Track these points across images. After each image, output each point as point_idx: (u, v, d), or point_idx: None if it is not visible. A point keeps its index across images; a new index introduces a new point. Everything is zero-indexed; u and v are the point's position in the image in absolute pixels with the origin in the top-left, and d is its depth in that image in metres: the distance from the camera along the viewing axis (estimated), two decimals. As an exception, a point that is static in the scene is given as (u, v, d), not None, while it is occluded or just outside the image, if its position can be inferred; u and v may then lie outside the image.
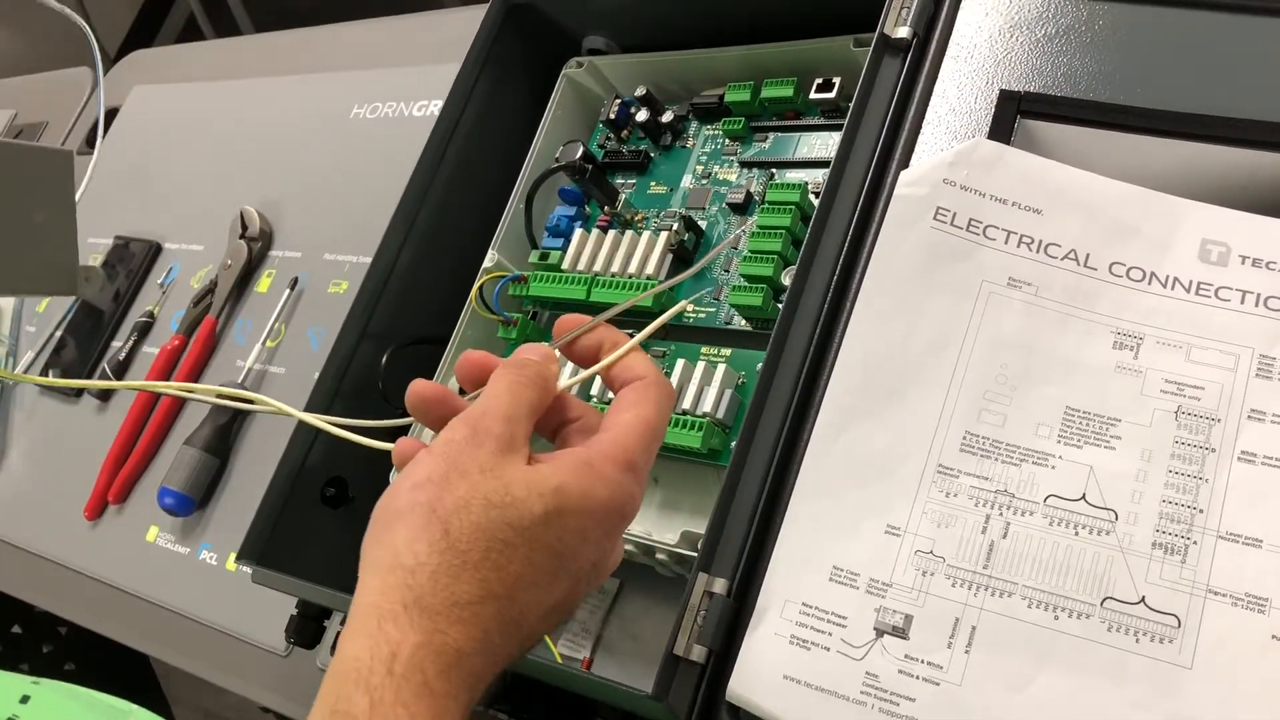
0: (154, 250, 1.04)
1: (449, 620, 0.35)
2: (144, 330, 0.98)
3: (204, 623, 0.78)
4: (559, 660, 0.59)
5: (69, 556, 0.88)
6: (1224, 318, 0.48)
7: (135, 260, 1.03)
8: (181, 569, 0.82)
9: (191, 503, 0.83)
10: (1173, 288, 0.49)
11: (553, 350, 0.44)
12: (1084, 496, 0.46)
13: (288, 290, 0.90)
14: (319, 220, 0.94)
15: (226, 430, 0.85)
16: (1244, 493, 0.45)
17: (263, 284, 0.94)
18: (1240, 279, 0.48)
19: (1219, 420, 0.46)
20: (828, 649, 0.46)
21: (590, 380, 0.53)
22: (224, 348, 0.92)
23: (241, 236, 0.95)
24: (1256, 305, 0.48)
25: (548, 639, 0.59)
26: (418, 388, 0.44)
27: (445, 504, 0.37)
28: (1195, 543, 0.44)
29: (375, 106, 0.98)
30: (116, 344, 0.99)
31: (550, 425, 0.45)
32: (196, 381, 0.91)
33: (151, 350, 0.96)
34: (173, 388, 0.87)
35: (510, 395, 0.41)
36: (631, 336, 0.46)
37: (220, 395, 0.64)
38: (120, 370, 0.96)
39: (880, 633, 0.45)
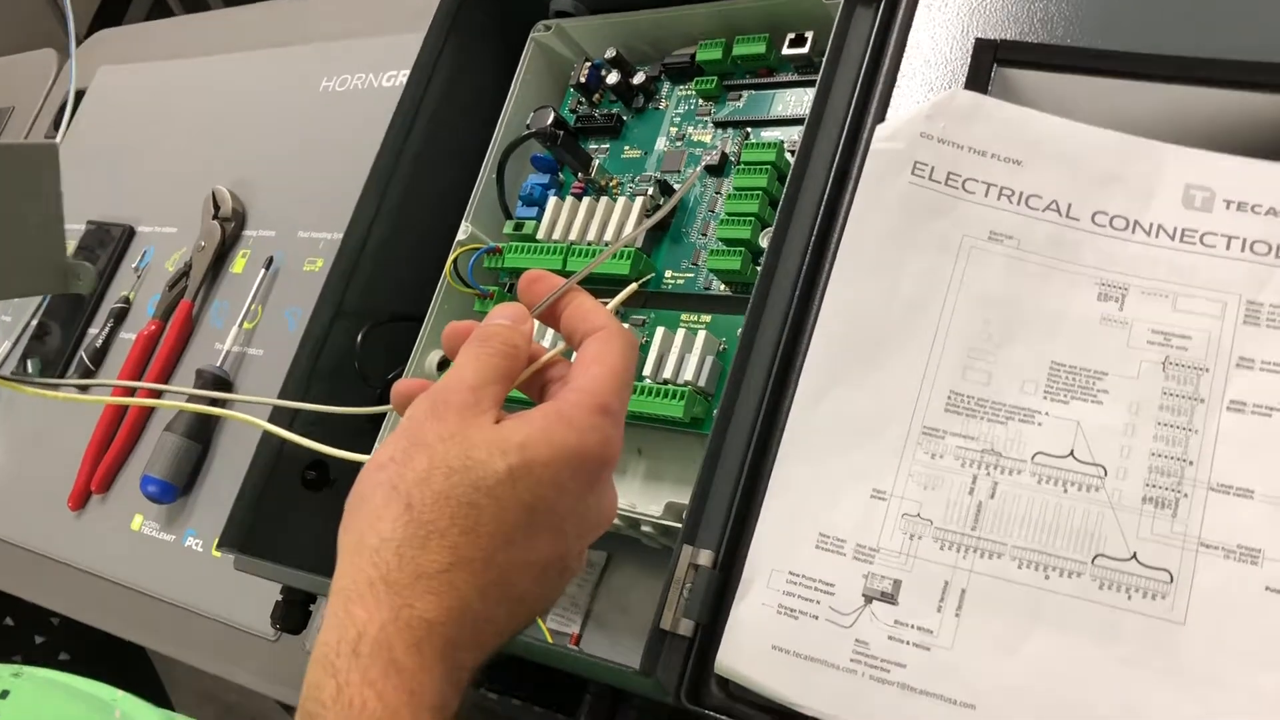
0: (128, 234, 1.02)
1: (416, 593, 0.34)
2: (120, 316, 0.97)
3: (191, 609, 0.77)
4: (548, 636, 0.58)
5: (54, 548, 0.87)
6: (1210, 264, 0.47)
7: (109, 245, 1.02)
8: (167, 556, 0.81)
9: (174, 489, 0.82)
10: (1157, 236, 0.48)
11: (524, 310, 0.43)
12: (1072, 453, 0.45)
13: (263, 270, 0.88)
14: (292, 197, 0.93)
15: (208, 415, 0.84)
16: (1234, 443, 0.44)
17: (238, 264, 0.92)
18: (1225, 224, 0.47)
19: (1207, 370, 0.45)
20: (816, 617, 0.45)
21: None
22: (201, 331, 0.91)
23: (214, 217, 0.94)
24: (1242, 250, 0.47)
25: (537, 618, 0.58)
26: (399, 388, 0.43)
27: (407, 479, 0.36)
28: (1186, 495, 0.43)
29: (344, 79, 0.96)
30: (93, 331, 0.97)
31: (535, 387, 0.44)
32: (175, 367, 0.90)
33: (129, 336, 0.94)
34: (135, 402, 0.86)
35: (475, 365, 0.39)
36: (604, 303, 0.45)
37: (191, 398, 0.63)
38: (98, 357, 0.95)
39: (869, 599, 0.45)
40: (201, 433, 0.83)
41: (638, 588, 0.61)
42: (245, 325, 0.88)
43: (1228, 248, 0.47)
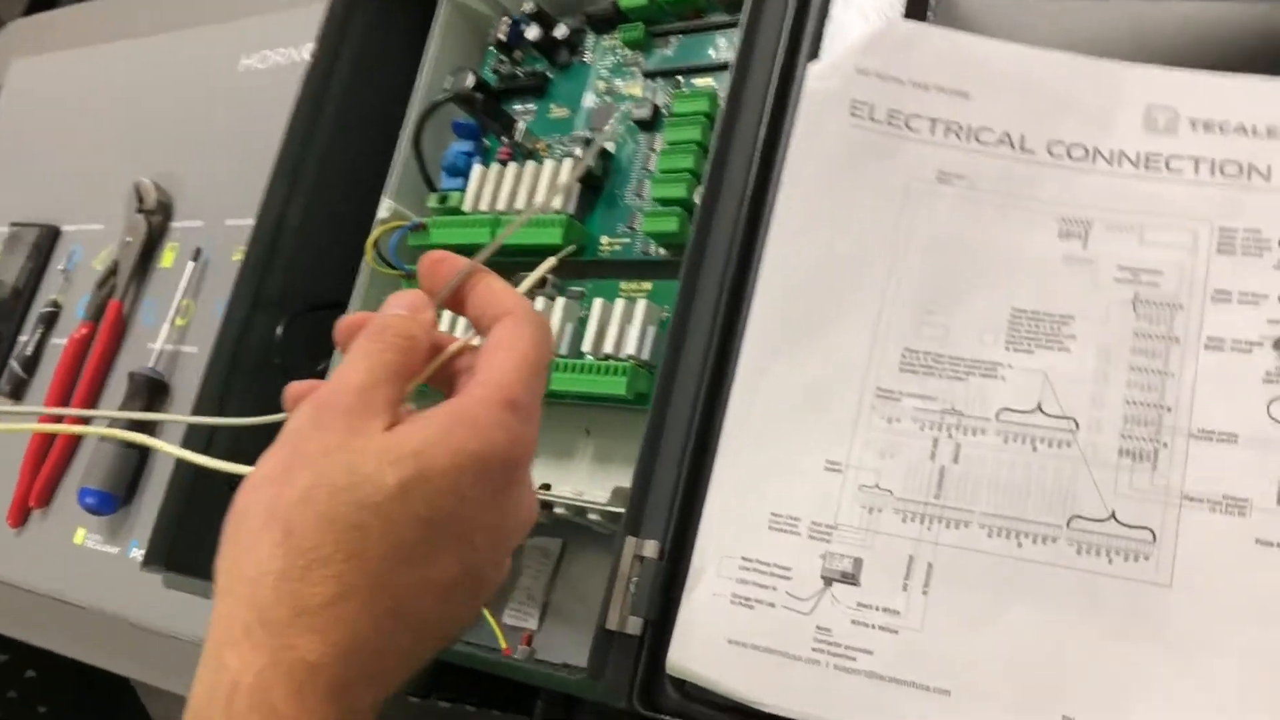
0: (52, 234, 0.97)
1: (297, 631, 0.30)
2: (50, 321, 0.92)
3: (140, 624, 0.74)
4: (500, 636, 0.54)
5: (-4, 568, 0.83)
6: (1177, 191, 0.43)
7: (34, 247, 0.97)
8: (113, 569, 0.77)
9: (114, 500, 0.77)
10: (1119, 164, 0.44)
11: (424, 297, 0.39)
12: (1039, 407, 0.42)
13: (191, 263, 0.84)
14: (218, 185, 0.88)
15: (141, 421, 0.79)
16: (1214, 384, 0.40)
17: (166, 259, 0.88)
18: (1191, 146, 0.44)
19: (1181, 306, 0.42)
20: (773, 605, 0.41)
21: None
22: (134, 331, 0.87)
23: (139, 211, 0.89)
24: (1211, 173, 0.43)
25: (488, 615, 0.54)
26: (292, 390, 0.39)
27: (285, 499, 0.32)
28: (1165, 445, 0.40)
29: (264, 55, 0.91)
30: (24, 338, 0.93)
31: (444, 380, 0.40)
32: (109, 371, 0.86)
33: (60, 341, 0.90)
34: (63, 429, 0.81)
35: (365, 364, 0.35)
36: (516, 279, 0.41)
37: (113, 422, 0.59)
38: (29, 365, 0.90)
39: (829, 581, 0.41)
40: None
41: (596, 574, 0.57)
42: (177, 322, 0.83)
43: (1196, 171, 0.43)
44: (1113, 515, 0.39)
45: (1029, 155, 0.45)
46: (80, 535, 0.81)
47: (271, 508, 0.32)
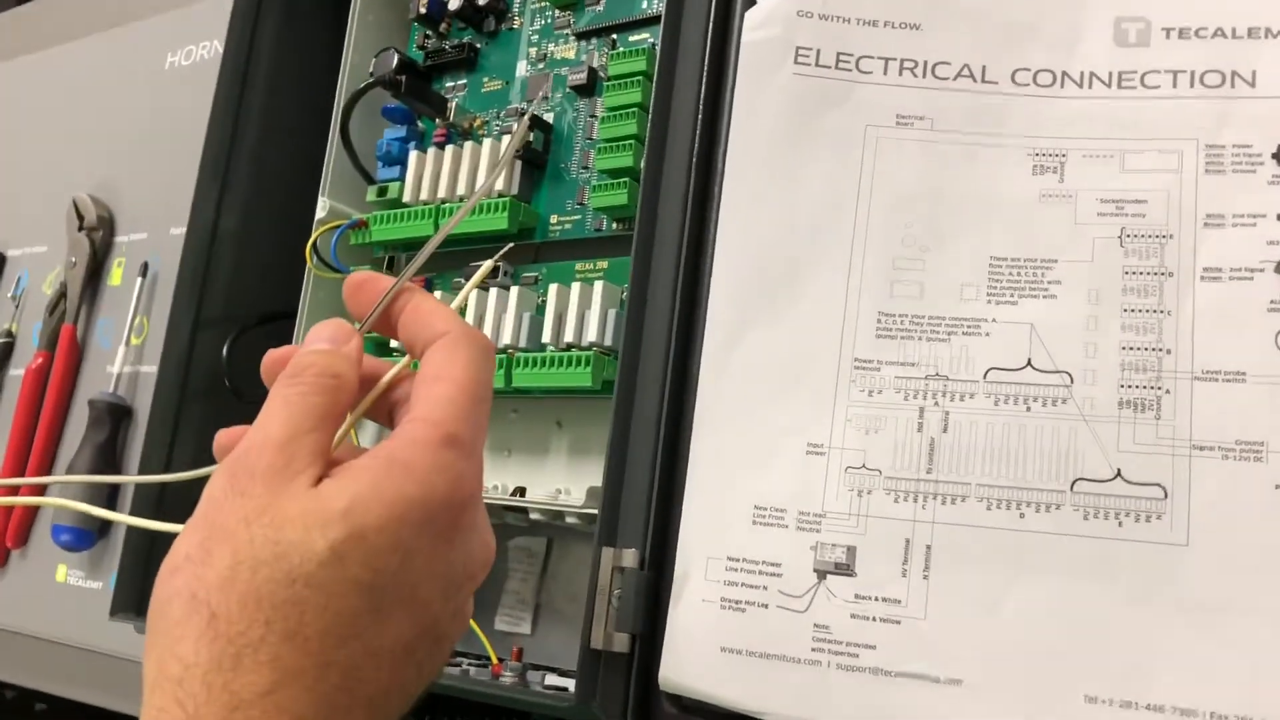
0: (-2, 261, 0.94)
1: None
2: (6, 352, 0.89)
3: (128, 659, 0.71)
4: (490, 651, 0.52)
5: (-19, 613, 0.81)
6: (1157, 109, 0.40)
7: (-20, 276, 0.93)
8: (96, 605, 0.75)
9: (89, 535, 0.75)
10: (1090, 86, 0.41)
11: (348, 327, 0.35)
12: (1029, 362, 0.38)
13: (140, 279, 0.80)
14: (158, 192, 0.84)
15: (110, 448, 0.76)
16: (1215, 318, 0.37)
17: (115, 276, 0.84)
18: (1167, 58, 0.40)
19: (1171, 236, 0.38)
20: (765, 605, 0.38)
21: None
22: (90, 355, 0.83)
23: (80, 229, 0.85)
24: (1192, 85, 0.39)
25: (476, 628, 0.52)
26: (223, 440, 0.35)
27: (207, 582, 0.28)
28: (1168, 391, 0.37)
29: (189, 51, 0.86)
30: (-20, 373, 0.89)
31: (383, 412, 0.37)
32: (70, 401, 0.82)
33: (18, 372, 0.87)
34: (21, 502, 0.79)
35: (285, 412, 0.31)
36: (469, 271, 0.37)
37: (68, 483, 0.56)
38: (-11, 402, 0.87)
39: (822, 574, 0.38)
40: (107, 468, 0.76)
41: (586, 568, 0.55)
42: (133, 341, 0.80)
43: (1174, 85, 0.40)
44: (1118, 474, 0.36)
45: (992, 87, 0.41)
46: (61, 572, 0.78)
47: (193, 593, 0.28)
